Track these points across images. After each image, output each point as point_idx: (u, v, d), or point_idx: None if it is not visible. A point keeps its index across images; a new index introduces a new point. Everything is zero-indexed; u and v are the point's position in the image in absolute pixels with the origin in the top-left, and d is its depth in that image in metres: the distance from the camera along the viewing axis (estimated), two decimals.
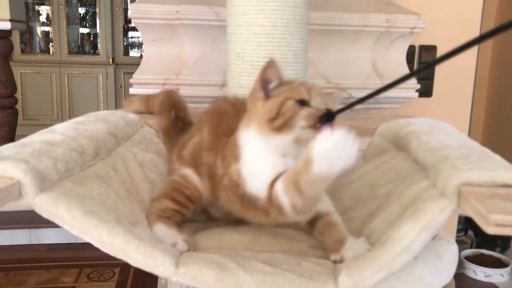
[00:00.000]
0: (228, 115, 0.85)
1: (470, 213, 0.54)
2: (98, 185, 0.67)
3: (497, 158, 0.66)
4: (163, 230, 0.74)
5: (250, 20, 1.00)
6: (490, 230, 0.49)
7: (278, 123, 0.69)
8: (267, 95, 0.72)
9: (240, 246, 0.74)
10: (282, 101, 0.70)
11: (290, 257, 0.71)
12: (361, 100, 0.67)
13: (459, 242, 2.70)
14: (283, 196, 0.67)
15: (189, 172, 0.85)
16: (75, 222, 0.59)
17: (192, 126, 0.94)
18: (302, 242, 0.78)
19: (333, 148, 0.59)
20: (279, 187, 0.68)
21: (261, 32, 1.00)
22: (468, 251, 2.62)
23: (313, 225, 0.79)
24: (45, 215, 0.59)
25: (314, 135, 0.63)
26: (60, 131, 0.74)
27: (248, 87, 1.05)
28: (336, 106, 0.73)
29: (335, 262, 0.71)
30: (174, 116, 1.02)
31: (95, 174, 0.70)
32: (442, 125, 0.87)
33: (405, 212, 0.67)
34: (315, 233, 0.79)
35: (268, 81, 0.72)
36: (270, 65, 0.72)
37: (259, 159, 0.72)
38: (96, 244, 0.60)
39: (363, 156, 0.97)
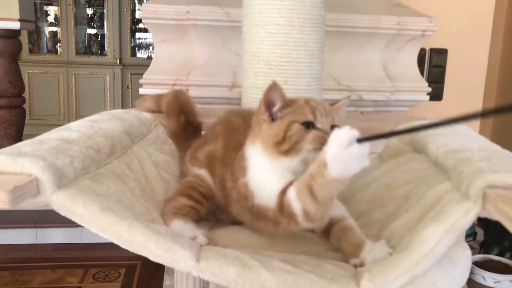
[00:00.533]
0: (239, 130, 0.85)
1: (496, 216, 0.53)
2: (114, 183, 0.67)
3: None
4: (181, 225, 0.74)
5: (266, 19, 0.99)
6: None
7: (285, 147, 0.69)
8: (272, 117, 0.72)
9: (257, 246, 0.73)
10: (288, 125, 0.69)
11: (310, 258, 0.70)
12: (399, 133, 0.66)
13: None
14: (296, 202, 0.67)
15: (203, 173, 0.85)
16: (94, 219, 0.58)
17: (207, 132, 0.95)
18: (320, 244, 0.77)
19: (346, 150, 0.59)
20: (291, 193, 0.67)
21: (277, 32, 0.99)
22: (476, 257, 2.60)
23: (328, 232, 0.79)
24: (63, 212, 0.59)
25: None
26: (76, 129, 0.73)
27: (263, 87, 1.03)
28: (342, 115, 0.74)
29: (355, 266, 0.70)
30: (184, 122, 1.02)
31: (111, 172, 0.69)
32: (460, 127, 0.86)
33: (426, 215, 0.66)
34: (331, 240, 0.78)
35: (272, 103, 0.72)
36: (273, 87, 0.71)
37: (267, 173, 0.72)
38: (116, 241, 0.60)
39: (380, 157, 0.96)
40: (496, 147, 0.72)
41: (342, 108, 0.75)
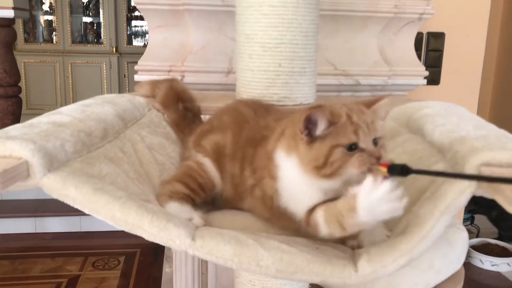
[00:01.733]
0: (249, 122, 0.83)
1: (491, 194, 0.52)
2: (107, 166, 0.66)
3: None
4: (176, 207, 0.74)
5: (260, 0, 0.98)
6: None
7: (327, 171, 0.64)
8: (312, 137, 0.66)
9: (254, 229, 0.73)
10: (330, 149, 0.64)
11: (308, 240, 0.70)
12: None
13: None
14: (324, 226, 0.65)
15: (207, 162, 0.83)
16: (86, 200, 0.58)
17: (212, 118, 0.92)
18: None
19: (379, 202, 0.58)
20: (319, 218, 0.66)
21: (271, 13, 0.98)
22: (474, 240, 2.61)
23: None
24: (54, 195, 0.58)
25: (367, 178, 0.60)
26: (68, 113, 0.73)
27: (257, 69, 1.03)
28: (382, 115, 0.70)
29: (352, 248, 0.70)
30: (182, 109, 1.01)
31: (104, 155, 0.69)
32: (456, 108, 0.85)
33: (422, 196, 0.65)
34: None
35: (314, 123, 0.65)
36: (319, 109, 0.64)
37: (301, 188, 0.69)
38: (109, 221, 0.59)
39: None
40: (492, 126, 0.71)
41: (381, 109, 0.70)
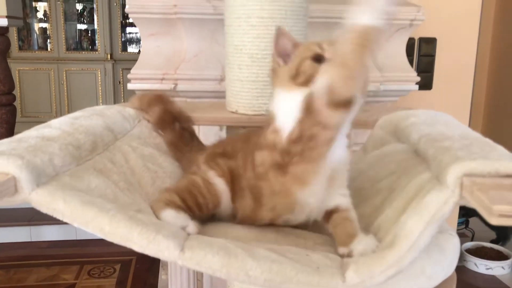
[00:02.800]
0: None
1: (473, 204, 0.53)
2: (96, 178, 0.67)
3: (500, 148, 0.65)
4: (172, 214, 0.74)
5: (248, 11, 0.99)
6: (494, 221, 0.48)
7: (300, 79, 0.75)
8: (286, 61, 0.78)
9: (247, 239, 0.74)
10: (299, 62, 0.75)
11: (298, 249, 0.70)
12: None
13: (460, 235, 2.69)
14: (322, 79, 0.67)
15: (219, 182, 0.82)
16: (75, 214, 0.58)
17: (223, 141, 0.96)
18: (309, 239, 0.78)
19: None
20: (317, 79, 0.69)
21: (259, 24, 0.99)
22: (469, 244, 2.62)
23: (329, 217, 0.79)
24: (43, 209, 0.59)
25: None
26: (57, 126, 0.73)
27: (246, 80, 1.04)
28: None
29: (342, 256, 0.71)
30: (179, 129, 1.01)
31: (92, 167, 0.69)
32: (442, 116, 0.86)
33: (409, 206, 0.66)
34: (329, 225, 0.79)
35: (282, 48, 0.79)
36: (280, 33, 0.78)
37: (292, 102, 0.74)
38: (99, 234, 0.60)
39: (364, 148, 0.96)
40: (477, 135, 0.72)
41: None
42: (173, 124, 1.00)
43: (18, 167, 0.56)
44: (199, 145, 1.03)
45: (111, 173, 0.72)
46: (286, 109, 0.75)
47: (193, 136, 1.03)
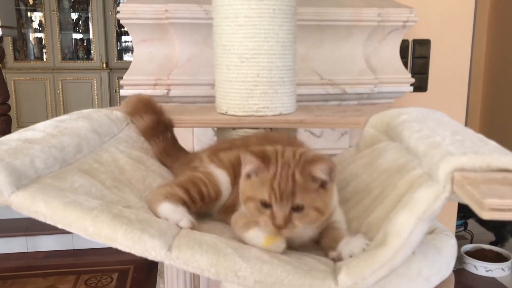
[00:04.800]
0: (277, 142, 0.85)
1: (464, 198, 0.52)
2: (80, 178, 0.65)
3: (492, 143, 0.64)
4: (170, 208, 0.74)
5: (236, 11, 0.98)
6: (485, 215, 0.47)
7: (245, 210, 0.73)
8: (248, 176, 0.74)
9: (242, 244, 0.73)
10: (247, 198, 0.72)
11: (291, 251, 0.70)
12: None
13: (459, 237, 2.68)
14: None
15: (219, 173, 0.84)
16: (57, 215, 0.57)
17: (235, 139, 0.99)
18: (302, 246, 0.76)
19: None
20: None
21: (247, 23, 0.98)
22: (468, 246, 2.60)
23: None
24: (24, 212, 0.58)
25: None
26: (41, 129, 0.72)
27: (235, 80, 1.03)
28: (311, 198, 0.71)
29: (333, 260, 0.70)
30: (171, 137, 1.02)
31: (77, 168, 0.68)
32: (434, 113, 0.85)
33: (399, 202, 0.65)
34: (319, 238, 0.78)
35: (244, 165, 0.73)
36: (243, 155, 0.73)
37: None
38: (82, 235, 0.59)
39: (356, 147, 0.95)
40: (469, 131, 0.71)
41: (318, 172, 0.71)
42: (166, 133, 1.01)
43: None
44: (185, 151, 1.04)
45: (97, 173, 0.71)
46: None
47: (167, 129, 1.02)
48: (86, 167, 0.70)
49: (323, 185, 0.71)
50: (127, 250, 0.60)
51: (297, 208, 0.69)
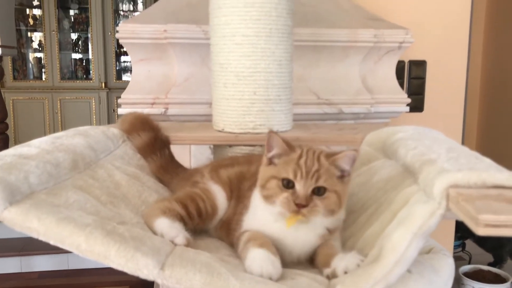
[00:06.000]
0: None
1: (459, 215, 0.52)
2: (75, 194, 0.65)
3: (487, 160, 0.64)
4: (167, 223, 0.74)
5: (233, 30, 0.99)
6: (480, 231, 0.47)
7: (264, 193, 0.73)
8: (270, 161, 0.75)
9: (235, 258, 0.72)
10: (268, 178, 0.73)
11: (285, 270, 0.69)
12: None
13: (457, 258, 2.65)
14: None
15: (216, 188, 0.85)
16: (50, 232, 0.57)
17: (238, 157, 1.00)
18: (296, 264, 0.76)
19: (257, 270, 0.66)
20: (244, 236, 0.75)
21: (244, 42, 0.99)
22: (466, 267, 2.57)
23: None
24: (17, 228, 0.57)
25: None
26: (37, 145, 0.72)
27: (232, 98, 1.04)
28: (346, 167, 0.74)
29: (328, 277, 0.69)
30: (168, 154, 1.03)
31: (71, 185, 0.68)
32: (431, 131, 0.85)
33: (395, 218, 0.64)
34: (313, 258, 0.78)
35: (270, 148, 0.75)
36: (270, 136, 0.74)
37: (260, 212, 0.75)
38: (75, 251, 0.58)
39: None
40: (465, 149, 0.71)
41: (343, 160, 0.73)
42: (163, 150, 1.01)
43: None
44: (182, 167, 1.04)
45: (92, 188, 0.71)
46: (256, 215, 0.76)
47: (165, 146, 1.04)
48: (81, 183, 0.69)
49: (342, 177, 0.73)
50: (120, 268, 0.59)
51: (319, 191, 0.70)
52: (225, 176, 0.87)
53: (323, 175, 0.70)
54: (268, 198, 0.72)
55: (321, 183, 0.70)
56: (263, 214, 0.74)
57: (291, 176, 0.70)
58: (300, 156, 0.72)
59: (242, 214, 0.79)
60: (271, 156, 0.74)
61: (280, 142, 0.73)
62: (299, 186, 0.70)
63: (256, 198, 0.76)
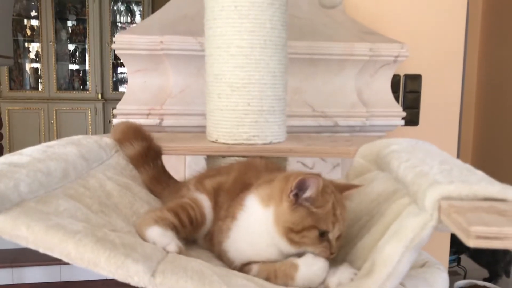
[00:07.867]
0: (257, 169, 0.88)
1: (451, 227, 0.51)
2: (65, 202, 0.64)
3: (480, 173, 0.64)
4: (159, 232, 0.73)
5: (228, 41, 1.00)
6: (471, 243, 0.46)
7: (295, 238, 0.70)
8: (297, 201, 0.71)
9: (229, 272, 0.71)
10: (308, 227, 0.70)
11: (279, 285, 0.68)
12: None
13: (452, 273, 2.64)
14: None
15: (202, 198, 0.85)
16: (39, 239, 0.56)
17: (222, 166, 1.00)
18: None
19: (315, 274, 0.68)
20: (253, 269, 0.72)
21: (239, 53, 0.99)
22: (461, 282, 2.56)
23: None
24: (6, 237, 0.56)
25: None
26: (28, 153, 0.71)
27: (226, 109, 1.04)
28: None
29: None
30: (161, 165, 1.02)
31: (62, 193, 0.67)
32: (423, 144, 0.85)
33: (387, 232, 0.64)
34: None
35: (304, 188, 0.70)
36: (314, 177, 0.69)
37: (257, 238, 0.74)
38: (65, 259, 0.57)
39: (346, 177, 0.95)
40: (457, 162, 0.71)
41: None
42: (156, 160, 1.01)
43: None
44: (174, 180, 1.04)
45: (83, 197, 0.71)
46: (251, 240, 0.75)
47: (157, 156, 1.03)
48: (72, 192, 0.69)
49: None
50: (110, 275, 0.58)
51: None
52: (209, 186, 0.87)
53: (345, 218, 0.74)
54: (300, 244, 0.70)
55: (343, 227, 0.73)
56: (261, 236, 0.74)
57: (330, 229, 0.71)
58: (334, 207, 0.71)
59: (224, 222, 0.79)
60: (304, 199, 0.70)
61: (319, 188, 0.70)
62: (332, 236, 0.71)
63: (257, 219, 0.74)
